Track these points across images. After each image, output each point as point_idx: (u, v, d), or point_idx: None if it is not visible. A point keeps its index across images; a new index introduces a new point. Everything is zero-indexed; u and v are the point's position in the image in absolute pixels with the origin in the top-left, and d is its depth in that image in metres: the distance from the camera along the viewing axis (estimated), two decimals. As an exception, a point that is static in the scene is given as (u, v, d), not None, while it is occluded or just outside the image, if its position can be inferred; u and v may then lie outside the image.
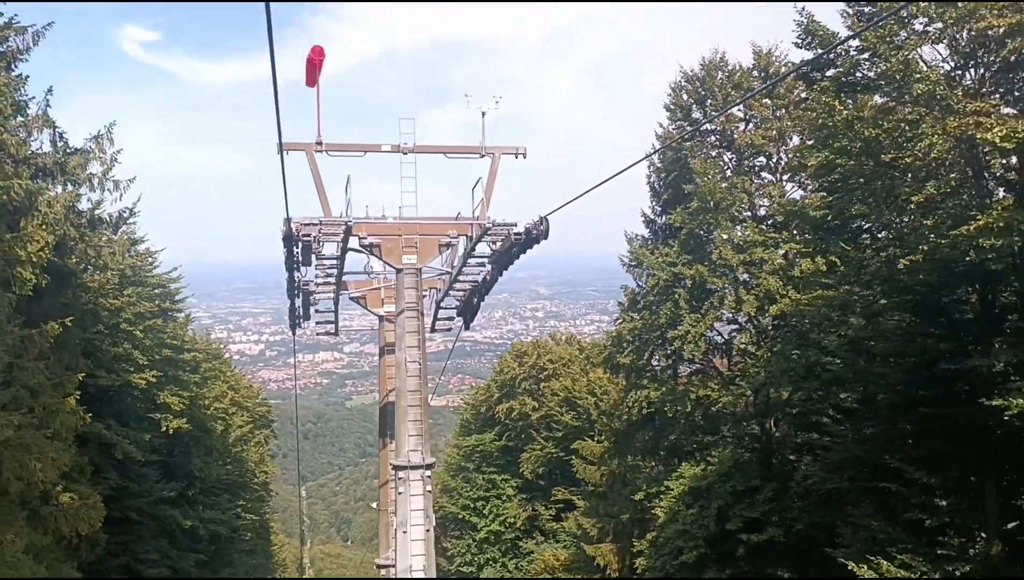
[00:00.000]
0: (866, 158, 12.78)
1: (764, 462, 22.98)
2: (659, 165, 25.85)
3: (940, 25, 12.18)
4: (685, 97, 24.82)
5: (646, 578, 24.38)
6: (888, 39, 12.24)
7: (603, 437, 30.30)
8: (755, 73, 24.15)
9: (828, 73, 14.62)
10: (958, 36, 12.15)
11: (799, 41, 16.58)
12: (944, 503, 14.30)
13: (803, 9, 14.96)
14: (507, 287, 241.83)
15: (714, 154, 24.14)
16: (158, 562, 33.36)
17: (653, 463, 26.49)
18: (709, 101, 24.11)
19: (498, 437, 45.18)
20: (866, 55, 13.15)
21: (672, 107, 25.05)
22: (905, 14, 12.06)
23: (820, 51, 14.56)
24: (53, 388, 16.76)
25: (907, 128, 11.95)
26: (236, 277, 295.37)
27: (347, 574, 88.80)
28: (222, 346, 58.07)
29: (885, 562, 13.70)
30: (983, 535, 13.91)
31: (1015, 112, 11.23)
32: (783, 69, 23.33)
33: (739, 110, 23.80)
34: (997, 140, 10.65)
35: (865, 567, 13.87)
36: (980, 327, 13.73)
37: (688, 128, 23.76)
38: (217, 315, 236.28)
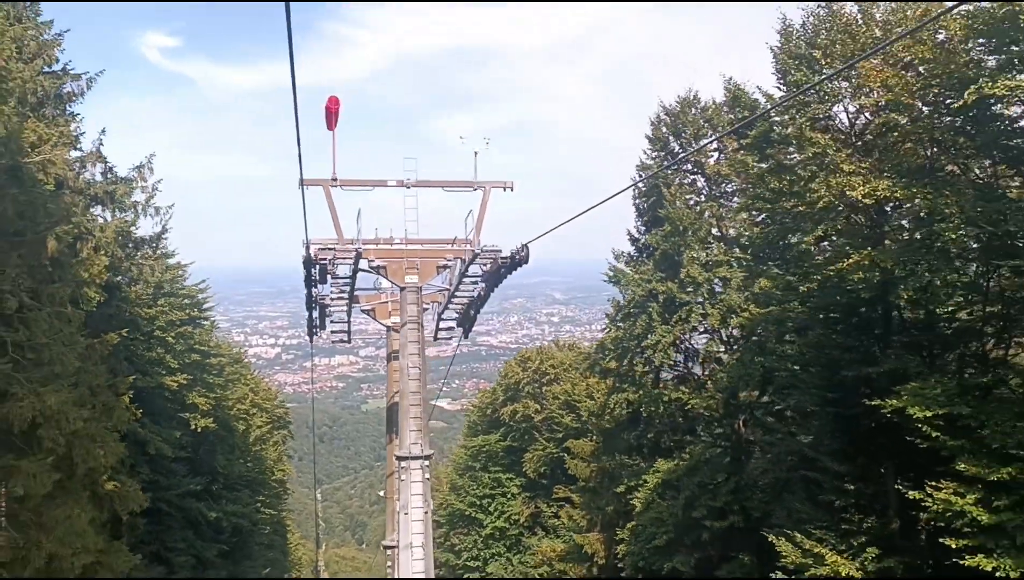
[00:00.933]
0: (772, 204, 15.83)
1: (735, 458, 26.05)
2: (642, 188, 29.02)
3: (842, 95, 15.29)
4: (664, 129, 28.00)
5: (625, 565, 27.58)
6: (798, 107, 15.37)
7: (594, 436, 33.47)
8: (725, 108, 27.25)
9: (751, 132, 17.73)
10: (850, 111, 15.27)
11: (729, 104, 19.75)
12: (852, 487, 17.32)
13: (730, 78, 17.97)
14: (523, 292, 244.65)
15: (688, 181, 27.28)
16: (184, 550, 36.75)
17: (636, 460, 29.59)
18: (684, 134, 27.28)
19: (503, 438, 48.38)
20: (778, 119, 16.23)
21: (652, 138, 28.23)
22: (810, 95, 15.16)
23: (745, 116, 17.77)
24: (108, 388, 20.20)
25: (802, 182, 15.06)
26: (252, 281, 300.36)
27: (360, 575, 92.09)
28: (241, 350, 61.86)
29: (801, 536, 16.77)
30: (887, 513, 16.92)
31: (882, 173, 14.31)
32: (758, 96, 26.37)
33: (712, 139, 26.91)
34: (859, 196, 13.76)
35: (783, 540, 16.95)
36: (880, 340, 16.79)
37: (666, 160, 26.90)
38: (234, 319, 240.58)
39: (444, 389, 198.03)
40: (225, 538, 41.34)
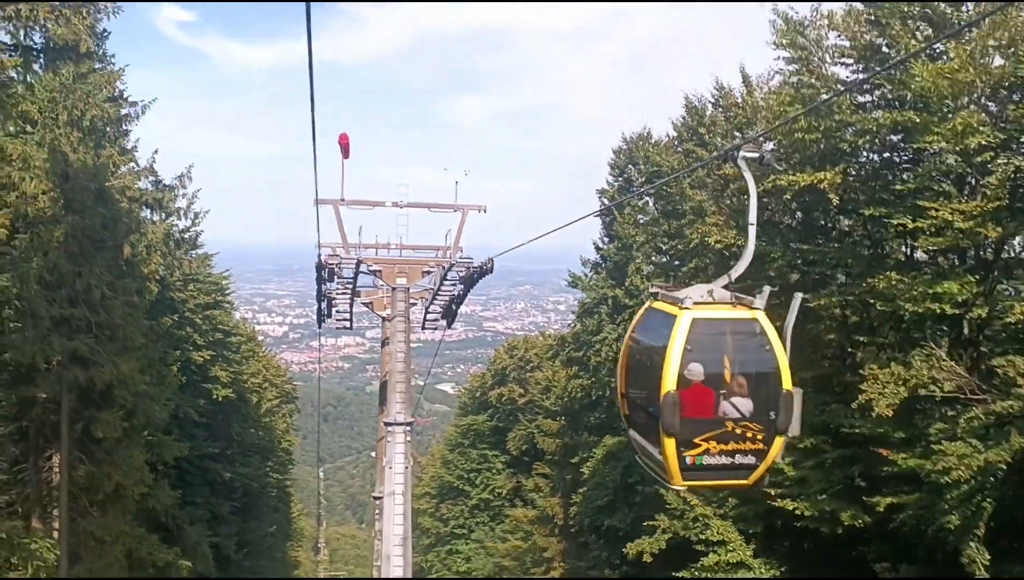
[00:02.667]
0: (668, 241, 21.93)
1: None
2: (606, 204, 35.13)
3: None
4: (623, 158, 34.09)
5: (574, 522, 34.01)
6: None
7: (561, 417, 39.73)
8: (675, 142, 33.29)
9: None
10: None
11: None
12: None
13: (681, 116, 23.92)
14: (531, 278, 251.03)
15: (642, 203, 33.34)
16: (202, 505, 43.30)
17: (593, 437, 35.84)
18: (637, 164, 33.36)
19: (490, 418, 54.80)
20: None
21: (613, 165, 34.33)
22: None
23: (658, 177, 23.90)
24: (161, 361, 26.68)
25: (686, 225, 21.14)
26: (259, 259, 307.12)
27: (360, 553, 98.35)
28: (252, 329, 68.60)
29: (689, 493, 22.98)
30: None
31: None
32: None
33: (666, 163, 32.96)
34: (713, 242, 19.85)
35: (670, 491, 23.10)
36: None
37: (623, 186, 33.00)
38: (242, 296, 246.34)
39: (448, 373, 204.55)
40: (237, 497, 48.00)
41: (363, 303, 33.17)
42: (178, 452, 28.77)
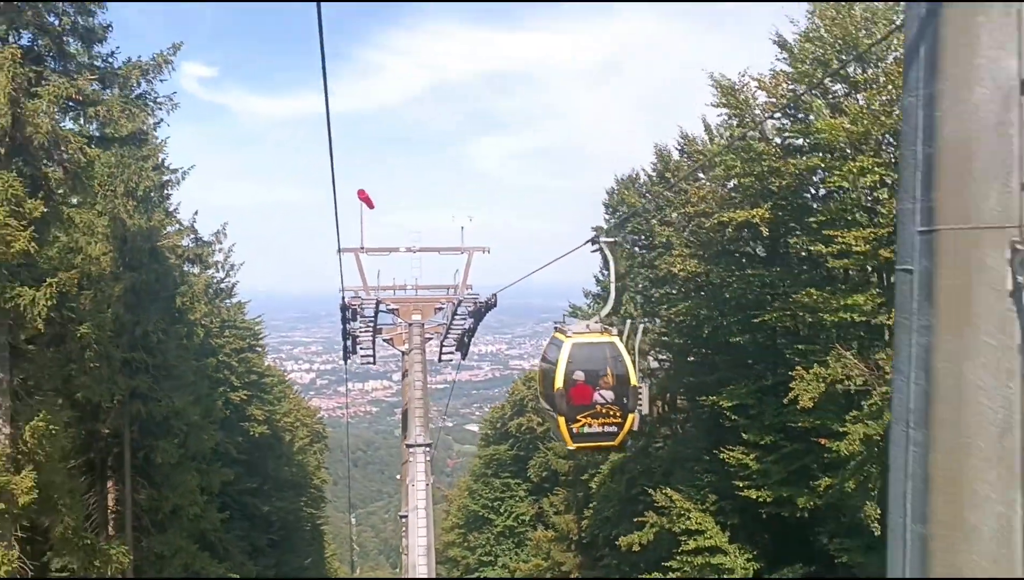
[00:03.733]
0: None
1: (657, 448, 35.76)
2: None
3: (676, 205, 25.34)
4: (615, 198, 38.00)
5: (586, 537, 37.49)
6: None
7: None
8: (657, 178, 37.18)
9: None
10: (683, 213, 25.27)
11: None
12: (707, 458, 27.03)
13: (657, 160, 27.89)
14: (556, 315, 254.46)
15: (636, 237, 37.18)
16: (243, 538, 47.27)
17: (599, 454, 39.33)
18: (624, 205, 37.23)
19: (510, 448, 58.41)
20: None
21: (607, 205, 38.25)
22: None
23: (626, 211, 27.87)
24: (208, 396, 30.82)
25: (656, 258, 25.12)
26: (286, 306, 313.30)
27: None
28: (282, 372, 73.03)
29: (673, 492, 26.40)
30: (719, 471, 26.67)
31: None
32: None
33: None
34: (678, 271, 23.70)
35: (658, 492, 26.65)
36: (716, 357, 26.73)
37: (617, 224, 36.87)
38: (269, 344, 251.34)
39: (476, 414, 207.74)
40: (274, 530, 51.91)
41: (384, 339, 37.26)
42: (224, 478, 32.85)
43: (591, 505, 37.68)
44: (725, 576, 23.83)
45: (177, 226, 33.69)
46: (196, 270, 35.74)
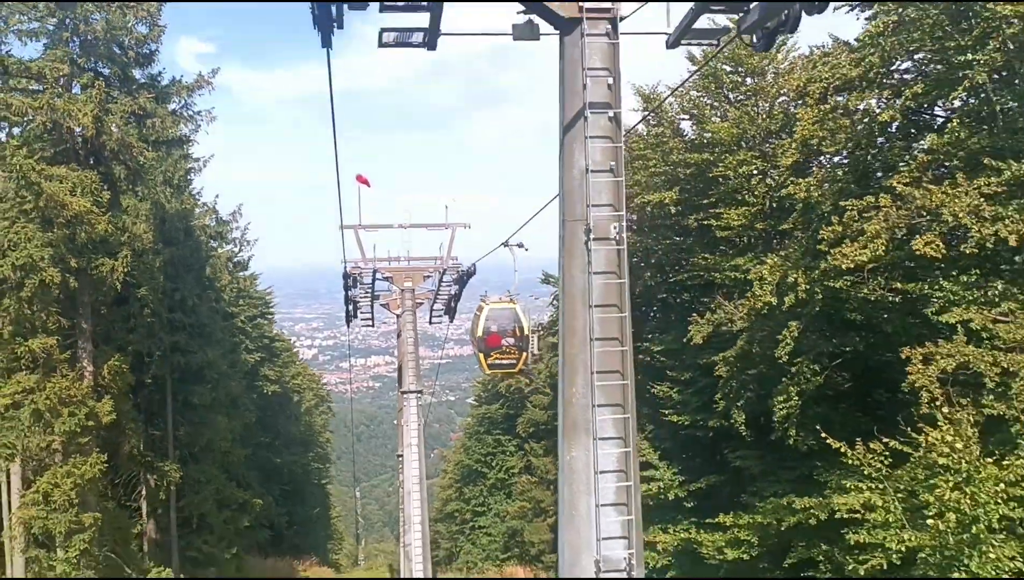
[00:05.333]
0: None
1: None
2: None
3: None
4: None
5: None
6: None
7: (552, 392, 50.14)
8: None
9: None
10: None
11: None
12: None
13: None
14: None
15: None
16: (255, 488, 54.37)
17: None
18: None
19: (501, 407, 65.28)
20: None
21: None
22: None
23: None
24: (233, 350, 37.64)
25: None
26: (287, 282, 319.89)
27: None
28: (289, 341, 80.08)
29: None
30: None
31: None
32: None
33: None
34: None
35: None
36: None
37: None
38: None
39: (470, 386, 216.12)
40: (286, 482, 59.03)
41: (381, 305, 44.03)
42: (246, 420, 39.77)
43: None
44: (656, 486, 30.43)
45: (204, 207, 40.40)
46: (217, 246, 42.45)
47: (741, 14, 10.83)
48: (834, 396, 23.09)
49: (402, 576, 42.72)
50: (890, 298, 19.16)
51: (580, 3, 9.92)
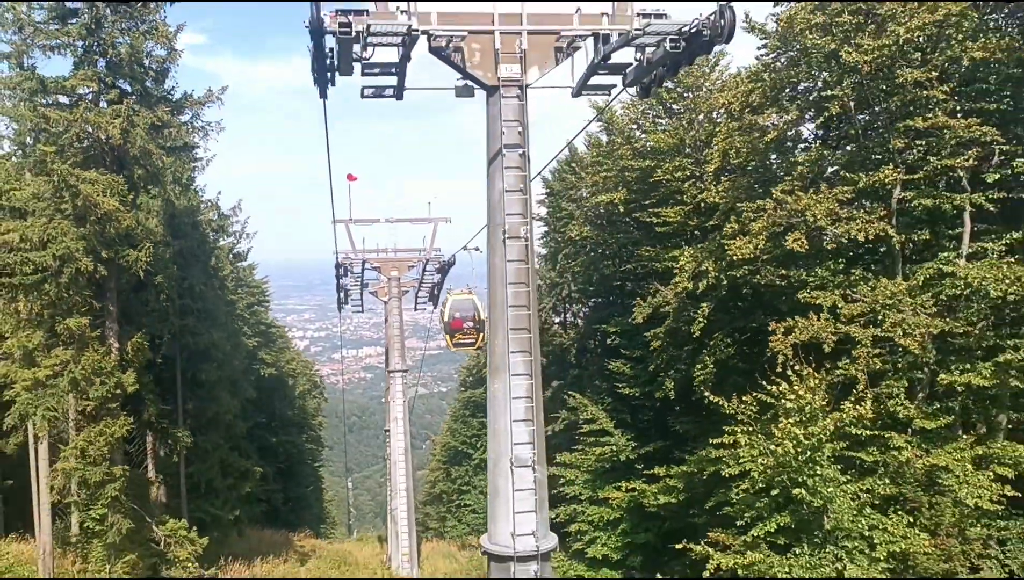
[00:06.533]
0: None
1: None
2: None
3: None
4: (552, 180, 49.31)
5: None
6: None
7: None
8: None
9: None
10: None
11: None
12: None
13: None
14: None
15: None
16: (255, 459, 59.21)
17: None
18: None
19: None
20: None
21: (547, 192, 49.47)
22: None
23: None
24: (236, 333, 42.45)
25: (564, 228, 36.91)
26: (280, 274, 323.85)
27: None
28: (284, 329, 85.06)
29: (580, 395, 38.00)
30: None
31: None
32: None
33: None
34: (574, 235, 35.10)
35: (570, 397, 38.30)
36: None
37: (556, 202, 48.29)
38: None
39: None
40: (281, 460, 63.93)
41: (370, 292, 48.96)
42: (248, 395, 44.61)
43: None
44: (611, 449, 35.25)
45: (208, 204, 45.13)
46: (218, 238, 47.21)
47: (628, 70, 15.73)
48: (746, 365, 27.95)
49: (389, 538, 47.73)
50: (778, 283, 24.03)
51: (498, 75, 14.74)
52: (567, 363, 45.32)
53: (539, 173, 20.52)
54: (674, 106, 32.43)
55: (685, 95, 31.63)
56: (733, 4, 13.18)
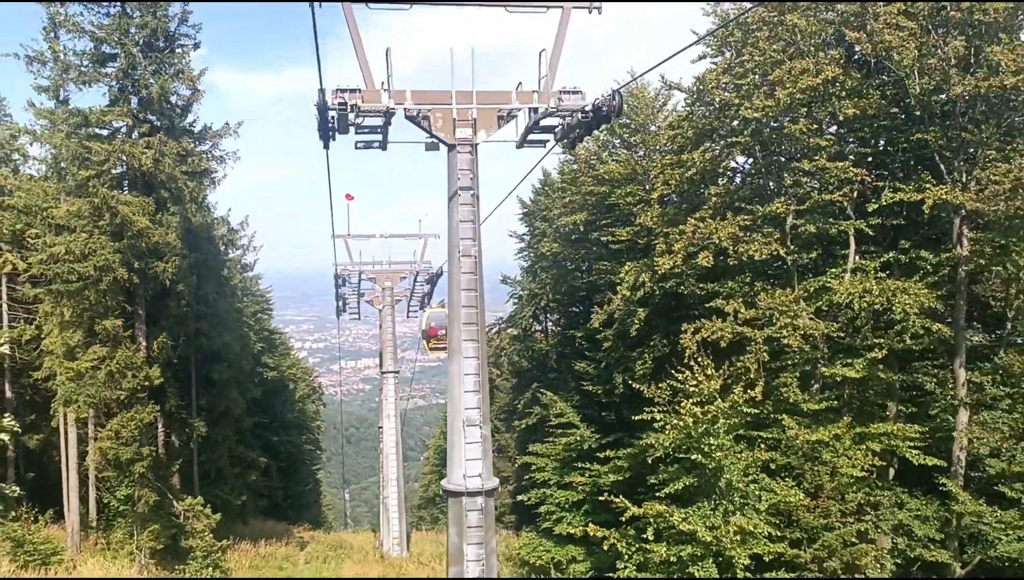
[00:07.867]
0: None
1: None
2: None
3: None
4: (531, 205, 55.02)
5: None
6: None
7: (513, 377, 60.74)
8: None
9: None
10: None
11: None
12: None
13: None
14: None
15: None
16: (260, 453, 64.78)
17: (527, 393, 56.65)
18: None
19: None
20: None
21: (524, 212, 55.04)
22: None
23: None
24: (245, 336, 48.16)
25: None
26: (279, 285, 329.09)
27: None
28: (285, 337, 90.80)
29: (551, 393, 43.50)
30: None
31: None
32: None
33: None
34: (544, 251, 40.70)
35: (543, 395, 43.78)
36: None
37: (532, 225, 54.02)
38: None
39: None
40: (281, 459, 69.50)
41: (366, 301, 54.65)
42: (255, 394, 50.26)
43: (516, 424, 55.15)
44: (576, 438, 40.77)
45: (220, 218, 50.92)
46: (227, 250, 52.96)
47: (557, 130, 21.46)
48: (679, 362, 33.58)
49: (381, 525, 53.28)
50: (698, 292, 29.73)
51: (455, 136, 20.43)
52: (547, 367, 50.97)
53: (491, 213, 25.45)
54: (631, 139, 38.18)
55: (637, 132, 37.41)
56: (628, 85, 18.80)
